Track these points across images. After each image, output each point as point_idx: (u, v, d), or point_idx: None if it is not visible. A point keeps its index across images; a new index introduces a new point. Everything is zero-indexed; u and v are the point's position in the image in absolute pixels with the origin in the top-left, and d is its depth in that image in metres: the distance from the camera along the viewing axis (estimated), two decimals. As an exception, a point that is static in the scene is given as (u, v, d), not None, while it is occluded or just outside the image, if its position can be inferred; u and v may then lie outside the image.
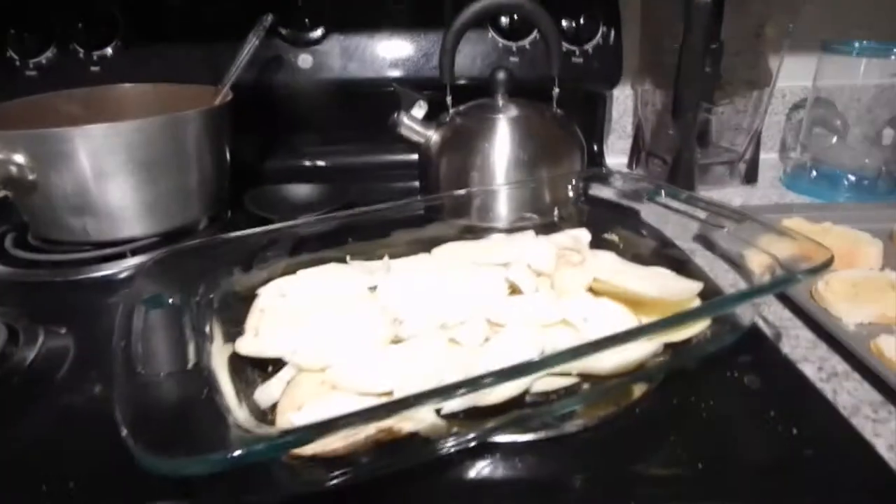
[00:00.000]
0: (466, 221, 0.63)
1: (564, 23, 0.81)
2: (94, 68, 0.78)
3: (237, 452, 0.26)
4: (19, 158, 0.56)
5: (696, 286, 0.46)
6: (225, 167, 0.71)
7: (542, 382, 0.39)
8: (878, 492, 0.36)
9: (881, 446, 0.39)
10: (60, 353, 0.49)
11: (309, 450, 0.32)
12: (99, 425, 0.40)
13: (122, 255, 0.62)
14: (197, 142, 0.65)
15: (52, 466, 0.38)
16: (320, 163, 0.90)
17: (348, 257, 0.53)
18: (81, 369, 0.47)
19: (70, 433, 0.41)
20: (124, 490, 0.36)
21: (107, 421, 0.41)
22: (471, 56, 0.80)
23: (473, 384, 0.32)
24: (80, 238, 0.62)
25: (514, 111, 0.68)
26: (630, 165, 0.95)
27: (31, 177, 0.57)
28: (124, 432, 0.28)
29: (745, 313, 0.47)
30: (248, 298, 0.49)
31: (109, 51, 0.79)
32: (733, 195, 0.85)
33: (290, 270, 0.52)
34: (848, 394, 0.45)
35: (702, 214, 0.54)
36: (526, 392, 0.39)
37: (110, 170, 0.60)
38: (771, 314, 0.55)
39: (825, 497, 0.36)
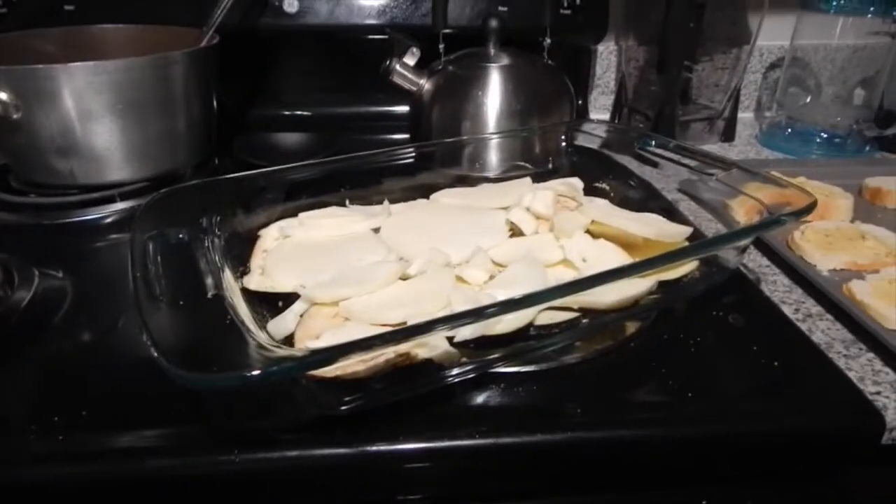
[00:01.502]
0: (458, 170, 0.64)
1: (552, -26, 0.81)
2: (67, 7, 0.75)
3: (273, 368, 0.28)
4: (2, 95, 0.54)
5: (687, 229, 0.49)
6: (212, 112, 0.70)
7: (545, 316, 0.42)
8: (853, 414, 0.40)
9: (853, 379, 0.43)
10: (57, 295, 0.49)
11: (331, 372, 0.34)
12: (105, 360, 0.42)
13: (110, 199, 0.62)
14: (184, 84, 0.64)
15: (62, 398, 0.39)
16: (305, 112, 0.89)
17: (347, 201, 0.54)
18: (81, 309, 0.47)
19: (76, 368, 0.42)
20: (139, 415, 0.37)
21: (114, 355, 0.43)
22: (460, 5, 0.79)
23: (483, 312, 0.34)
24: (67, 181, 0.61)
25: (505, 60, 0.68)
26: (612, 121, 0.97)
27: (15, 116, 0.56)
28: (155, 352, 0.29)
29: (731, 257, 0.50)
30: (249, 239, 0.49)
31: (84, -11, 0.76)
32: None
33: (289, 214, 0.53)
34: (822, 332, 0.48)
35: (690, 164, 0.56)
36: (530, 325, 0.41)
37: (96, 110, 0.59)
38: (751, 262, 0.58)
39: (805, 419, 0.39)
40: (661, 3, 0.77)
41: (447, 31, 0.70)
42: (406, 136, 0.79)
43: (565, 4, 0.81)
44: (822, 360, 0.44)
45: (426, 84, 0.69)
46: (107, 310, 0.47)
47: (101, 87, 0.58)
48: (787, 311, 0.50)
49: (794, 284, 0.55)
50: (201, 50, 0.65)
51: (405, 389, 0.37)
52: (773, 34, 0.93)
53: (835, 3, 0.82)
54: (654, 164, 0.59)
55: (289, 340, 0.40)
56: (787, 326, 0.48)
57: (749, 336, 0.46)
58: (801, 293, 0.54)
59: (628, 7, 0.92)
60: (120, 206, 0.62)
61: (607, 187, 0.62)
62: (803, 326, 0.48)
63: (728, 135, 0.92)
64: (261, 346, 0.30)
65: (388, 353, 0.35)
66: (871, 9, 0.80)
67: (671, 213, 0.57)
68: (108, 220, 0.61)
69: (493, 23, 0.69)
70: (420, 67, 0.70)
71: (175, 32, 0.70)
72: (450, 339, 0.38)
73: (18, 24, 0.71)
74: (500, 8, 0.80)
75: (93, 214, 0.61)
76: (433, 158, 0.62)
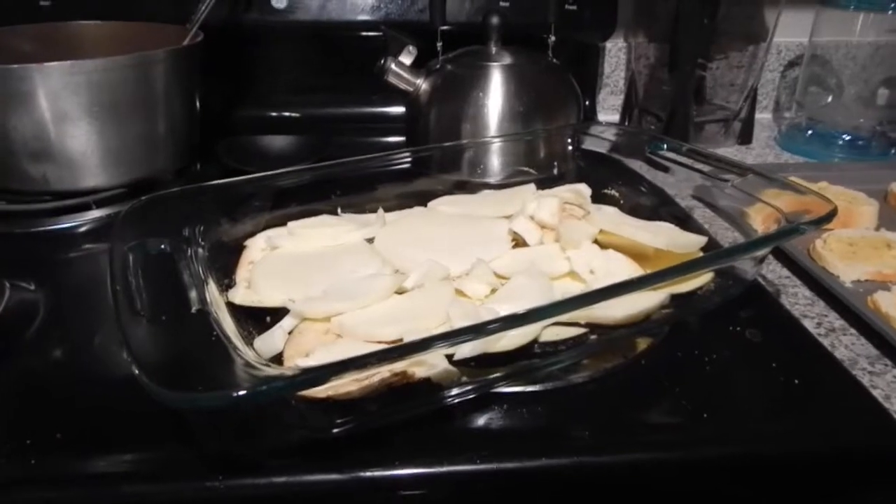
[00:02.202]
0: (457, 176, 0.65)
1: (557, -33, 0.82)
2: (43, 2, 0.76)
3: (261, 387, 0.28)
4: (-28, 97, 0.55)
5: (702, 239, 0.49)
6: (195, 114, 0.71)
7: (550, 332, 0.42)
8: (879, 436, 0.40)
9: (878, 397, 0.43)
10: (30, 309, 0.49)
11: (323, 392, 0.34)
12: (81, 378, 0.42)
13: (85, 207, 0.62)
14: (165, 84, 0.65)
15: (35, 419, 0.39)
16: (294, 113, 0.90)
17: (339, 209, 0.55)
18: (55, 324, 0.48)
19: (50, 387, 0.42)
20: (117, 438, 0.37)
21: (90, 373, 0.43)
22: (458, 0, 0.80)
23: (485, 329, 0.34)
24: (39, 187, 0.62)
25: (508, 59, 0.69)
26: (622, 122, 0.97)
27: (-14, 118, 0.56)
28: (137, 369, 0.29)
29: (748, 268, 0.50)
30: (235, 250, 0.50)
31: (60, -17, 0.77)
32: (728, 155, 0.88)
33: (277, 223, 0.53)
34: (845, 348, 0.49)
35: (703, 169, 0.57)
36: (535, 341, 0.41)
37: (72, 112, 0.59)
38: (770, 273, 0.59)
39: (827, 440, 0.39)
40: (671, -1, 0.78)
41: (445, 27, 0.70)
42: (402, 138, 0.80)
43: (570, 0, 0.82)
44: (845, 378, 0.44)
45: (423, 84, 0.70)
46: (83, 325, 0.47)
47: (78, 87, 0.59)
48: (808, 325, 0.51)
49: (815, 297, 0.55)
50: (184, 48, 0.66)
51: (401, 411, 0.38)
52: (790, 31, 0.94)
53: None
54: (666, 170, 0.60)
55: (278, 358, 0.40)
56: (808, 342, 0.48)
57: (768, 352, 0.46)
58: (824, 306, 0.54)
59: (638, 1, 0.93)
60: (95, 213, 0.62)
61: (616, 194, 0.62)
62: (825, 342, 0.49)
63: (745, 137, 0.92)
64: (248, 365, 0.31)
65: (383, 371, 0.35)
66: (893, 5, 0.81)
67: (685, 221, 0.58)
68: (83, 228, 0.61)
69: (495, 19, 0.69)
70: (417, 67, 0.71)
71: (157, 29, 0.71)
72: (449, 357, 0.38)
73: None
74: (502, 3, 0.81)
75: (67, 223, 0.61)
76: (431, 163, 0.62)
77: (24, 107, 0.57)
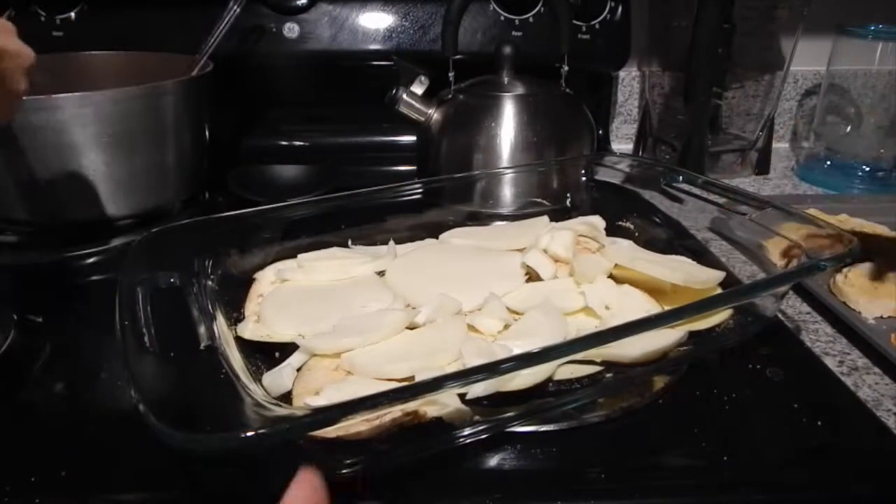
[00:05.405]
0: (469, 207, 0.65)
1: (570, -4, 0.83)
2: (56, 33, 0.78)
3: (270, 429, 0.28)
4: (-16, 128, 0.56)
5: (720, 274, 0.49)
6: (203, 144, 0.72)
7: (565, 370, 0.42)
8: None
9: (904, 440, 0.43)
10: (37, 342, 0.50)
11: (332, 432, 0.34)
12: (87, 415, 0.43)
13: (94, 237, 0.63)
14: (175, 115, 0.66)
15: (40, 457, 0.39)
16: (304, 143, 0.91)
17: (349, 241, 0.55)
18: (62, 358, 0.48)
19: (55, 423, 0.42)
20: (122, 477, 0.37)
21: (97, 410, 0.43)
22: (471, 30, 0.81)
23: (498, 368, 0.34)
24: (48, 218, 0.63)
25: (520, 89, 0.70)
26: (636, 152, 0.98)
27: (-4, 149, 0.57)
28: (142, 408, 0.29)
29: (768, 304, 0.50)
30: (244, 282, 0.50)
31: (73, 15, 0.79)
32: (745, 185, 0.89)
33: (286, 255, 0.54)
34: (869, 388, 0.48)
35: (720, 201, 0.57)
36: (549, 380, 0.41)
37: (82, 143, 0.60)
38: (790, 308, 0.59)
39: (852, 488, 0.39)
40: (686, 27, 0.79)
41: (458, 57, 0.71)
42: (413, 167, 0.81)
43: (584, 29, 0.84)
44: (870, 419, 0.44)
45: (435, 114, 0.71)
46: (91, 359, 0.48)
47: (88, 119, 0.60)
48: (830, 363, 0.50)
49: (837, 334, 0.55)
50: (194, 79, 0.67)
51: (412, 451, 0.38)
52: (807, 59, 0.95)
53: (872, 29, 0.83)
54: (682, 201, 0.60)
55: (286, 395, 0.40)
56: (830, 381, 0.48)
57: (789, 392, 0.46)
58: (846, 343, 0.54)
59: (652, 30, 0.94)
60: (104, 244, 0.63)
61: (631, 226, 0.62)
62: (848, 381, 0.48)
63: (762, 167, 0.93)
64: (257, 404, 0.31)
65: (395, 411, 0.35)
66: (914, 34, 0.82)
67: (701, 254, 0.58)
68: (92, 259, 0.62)
69: (507, 49, 0.70)
70: (429, 96, 0.72)
71: (167, 59, 0.73)
72: (461, 396, 0.38)
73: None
74: (514, 33, 0.82)
75: (75, 253, 0.62)
76: (442, 194, 0.63)
77: (34, 138, 0.58)
